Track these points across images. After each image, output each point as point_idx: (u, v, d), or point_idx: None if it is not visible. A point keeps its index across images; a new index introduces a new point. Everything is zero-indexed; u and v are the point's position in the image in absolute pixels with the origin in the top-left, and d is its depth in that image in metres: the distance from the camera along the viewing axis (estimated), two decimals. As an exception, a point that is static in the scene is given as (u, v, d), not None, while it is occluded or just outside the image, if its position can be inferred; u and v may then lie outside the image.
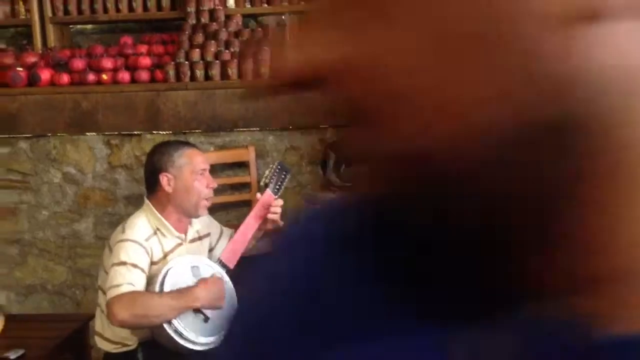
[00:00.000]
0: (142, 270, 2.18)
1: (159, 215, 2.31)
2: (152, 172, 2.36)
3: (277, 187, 2.57)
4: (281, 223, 2.51)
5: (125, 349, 2.28)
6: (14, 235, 3.76)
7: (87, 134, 3.63)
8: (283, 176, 2.60)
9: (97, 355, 2.44)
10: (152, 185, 2.36)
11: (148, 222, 2.30)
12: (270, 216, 2.47)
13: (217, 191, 3.55)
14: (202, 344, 2.18)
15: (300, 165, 3.55)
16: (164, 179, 2.30)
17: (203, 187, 2.34)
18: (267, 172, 2.60)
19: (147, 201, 2.37)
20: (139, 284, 2.16)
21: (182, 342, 2.14)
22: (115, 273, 2.14)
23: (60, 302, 3.77)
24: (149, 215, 2.32)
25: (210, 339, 2.20)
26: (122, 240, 2.22)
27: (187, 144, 2.50)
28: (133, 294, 2.11)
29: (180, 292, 2.16)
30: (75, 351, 2.73)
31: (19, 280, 3.79)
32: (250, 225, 2.47)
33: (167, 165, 2.32)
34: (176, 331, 2.14)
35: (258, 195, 2.54)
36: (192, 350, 2.16)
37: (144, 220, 2.30)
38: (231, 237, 2.53)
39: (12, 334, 2.59)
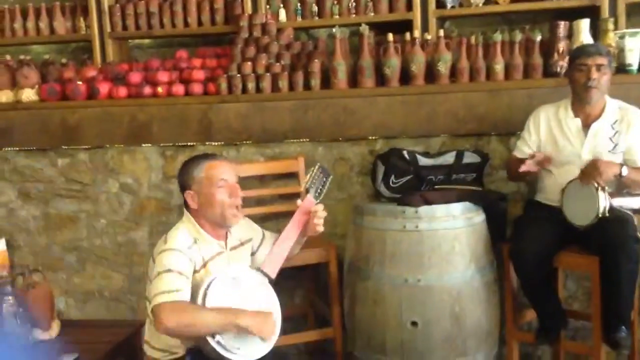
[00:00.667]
0: (187, 277, 2.22)
1: (197, 225, 2.36)
2: (180, 191, 2.41)
3: (318, 192, 2.49)
4: (322, 229, 2.48)
5: (172, 357, 2.31)
6: (73, 242, 3.89)
7: (143, 145, 3.74)
8: (324, 180, 2.52)
9: (148, 361, 2.49)
10: (184, 202, 2.41)
11: (188, 232, 2.34)
12: (315, 221, 2.44)
13: (267, 201, 3.61)
14: (244, 356, 2.18)
15: (350, 176, 3.56)
16: (188, 196, 2.35)
17: (225, 197, 2.33)
18: (307, 176, 2.51)
19: (185, 212, 2.41)
20: (187, 290, 2.19)
21: (224, 353, 2.15)
22: (162, 280, 2.17)
23: (117, 308, 3.88)
24: (188, 226, 2.36)
25: (255, 350, 2.21)
26: (165, 250, 2.25)
27: (208, 156, 2.43)
28: (182, 303, 2.14)
29: (230, 310, 2.17)
30: (128, 356, 2.79)
31: (77, 287, 3.92)
32: (291, 233, 2.44)
33: (189, 182, 2.35)
34: (219, 343, 2.14)
35: (299, 201, 2.48)
36: None
37: (184, 231, 2.34)
38: (275, 241, 2.50)
39: (67, 338, 2.66)
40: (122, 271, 3.86)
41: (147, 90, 3.70)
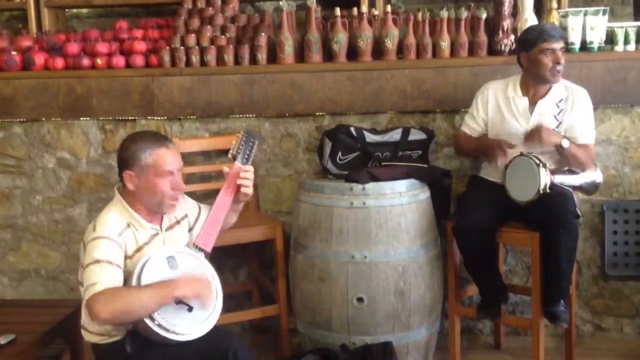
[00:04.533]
0: (118, 266, 2.14)
1: (130, 209, 2.26)
2: (119, 166, 2.29)
3: (246, 156, 2.42)
4: (251, 191, 2.41)
5: (112, 339, 2.24)
6: (8, 220, 3.74)
7: (82, 118, 3.61)
8: (251, 144, 2.45)
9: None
10: (120, 178, 2.29)
11: (120, 216, 2.24)
12: (240, 182, 2.37)
13: (212, 178, 3.54)
14: (188, 334, 2.14)
15: (297, 153, 3.53)
16: (126, 176, 2.24)
17: (167, 188, 2.24)
18: (233, 142, 2.44)
19: (117, 194, 2.30)
20: (116, 280, 2.12)
21: (167, 335, 2.10)
22: (91, 272, 2.10)
23: (54, 287, 3.77)
24: (120, 209, 2.26)
25: (197, 328, 2.16)
26: (94, 239, 2.16)
27: (158, 140, 2.28)
28: (111, 290, 2.07)
29: (162, 284, 2.11)
30: (67, 336, 2.71)
31: (13, 265, 3.78)
32: (222, 202, 2.37)
33: (131, 162, 2.22)
34: (160, 325, 2.09)
35: (225, 169, 2.40)
36: (179, 341, 2.13)
37: (115, 215, 2.24)
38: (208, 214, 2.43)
39: (3, 319, 2.57)
40: (59, 249, 3.73)
41: (86, 61, 3.56)
